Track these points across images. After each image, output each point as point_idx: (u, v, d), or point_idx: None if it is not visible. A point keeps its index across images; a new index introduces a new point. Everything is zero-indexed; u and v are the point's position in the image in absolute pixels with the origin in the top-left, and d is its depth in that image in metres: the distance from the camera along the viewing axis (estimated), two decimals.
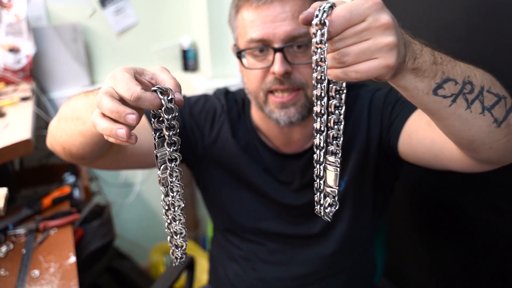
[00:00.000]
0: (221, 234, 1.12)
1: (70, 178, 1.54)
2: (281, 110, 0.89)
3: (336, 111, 0.56)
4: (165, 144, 0.59)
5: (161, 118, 0.58)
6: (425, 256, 1.24)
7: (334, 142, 0.57)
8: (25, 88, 1.49)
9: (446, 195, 1.10)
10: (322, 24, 0.48)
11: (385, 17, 0.48)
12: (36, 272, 1.00)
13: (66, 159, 0.87)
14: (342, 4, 0.48)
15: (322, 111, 0.54)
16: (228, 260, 1.10)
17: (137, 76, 0.57)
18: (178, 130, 0.58)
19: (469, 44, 0.94)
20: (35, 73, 1.66)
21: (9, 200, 1.29)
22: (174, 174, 0.62)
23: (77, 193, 1.49)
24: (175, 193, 0.64)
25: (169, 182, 0.63)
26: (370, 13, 0.47)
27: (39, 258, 1.05)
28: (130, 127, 0.54)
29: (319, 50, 0.49)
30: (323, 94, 0.52)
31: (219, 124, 1.02)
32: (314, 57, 0.50)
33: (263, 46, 0.86)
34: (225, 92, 1.07)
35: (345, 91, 0.55)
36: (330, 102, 0.55)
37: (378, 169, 0.98)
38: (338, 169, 0.59)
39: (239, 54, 0.90)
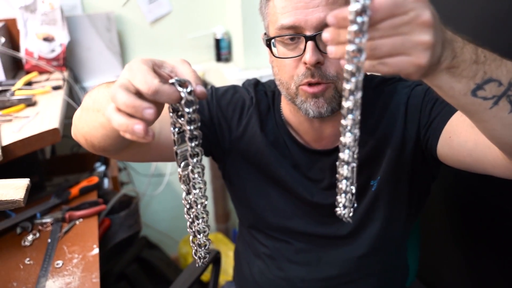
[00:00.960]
0: (247, 230, 1.08)
1: (100, 168, 1.55)
2: (311, 100, 0.84)
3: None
4: (186, 139, 0.56)
5: (180, 113, 0.56)
6: (460, 259, 1.17)
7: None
8: (58, 77, 1.50)
9: (484, 195, 1.04)
10: (362, 11, 0.44)
11: (428, 14, 0.45)
12: (59, 263, 1.00)
13: (90, 150, 0.86)
14: None
15: (354, 107, 0.49)
16: (253, 257, 1.07)
17: (156, 69, 0.54)
18: (199, 123, 0.55)
19: None
20: (68, 62, 1.67)
21: (38, 188, 1.31)
22: (196, 171, 0.59)
23: (106, 183, 1.49)
24: (197, 190, 0.61)
25: (191, 179, 0.60)
26: (414, 8, 0.45)
27: (63, 248, 1.05)
28: (148, 122, 0.51)
29: (356, 40, 0.45)
30: (357, 88, 0.48)
31: (247, 117, 0.98)
32: (349, 47, 0.45)
33: (294, 34, 0.81)
34: (254, 83, 1.03)
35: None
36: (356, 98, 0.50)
37: (414, 169, 0.92)
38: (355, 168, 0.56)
39: (269, 42, 0.85)
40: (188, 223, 0.65)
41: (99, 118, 0.72)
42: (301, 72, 0.82)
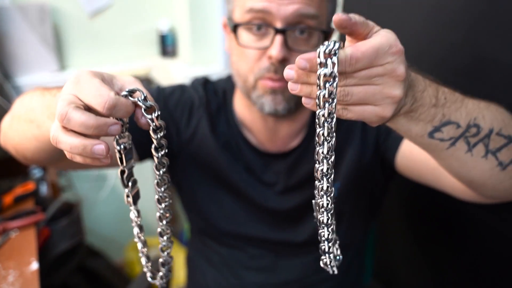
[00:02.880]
0: (198, 237, 1.02)
1: (37, 172, 1.42)
2: (269, 96, 0.79)
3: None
4: (154, 167, 0.52)
5: (123, 126, 0.50)
6: (415, 256, 1.18)
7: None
8: None
9: (439, 193, 1.05)
10: (334, 54, 0.42)
11: (402, 69, 0.45)
12: None
13: (21, 161, 0.77)
14: (365, 41, 0.44)
15: (328, 154, 0.47)
16: (206, 265, 1.01)
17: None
18: (165, 131, 0.50)
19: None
20: (0, 56, 1.52)
21: None
22: (162, 183, 0.54)
23: (44, 189, 1.37)
24: (163, 205, 0.55)
25: (157, 193, 0.54)
26: (391, 61, 0.44)
27: None
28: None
29: (327, 85, 0.42)
30: (330, 134, 0.45)
31: (197, 119, 0.92)
32: (320, 91, 0.43)
33: (263, 23, 0.75)
34: (203, 82, 0.96)
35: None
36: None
37: (373, 176, 0.91)
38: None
39: (235, 28, 0.78)
40: (140, 246, 0.59)
41: (32, 129, 0.64)
42: (264, 65, 0.77)
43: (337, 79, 0.42)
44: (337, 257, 0.56)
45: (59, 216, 1.28)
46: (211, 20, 1.66)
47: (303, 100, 0.46)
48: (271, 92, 0.79)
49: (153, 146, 0.50)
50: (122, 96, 0.46)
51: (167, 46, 1.83)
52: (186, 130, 0.91)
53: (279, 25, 0.73)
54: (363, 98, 0.45)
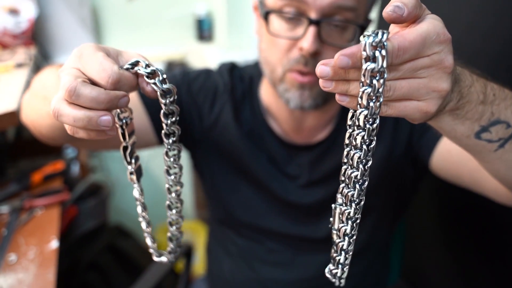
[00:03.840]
0: (218, 225, 1.01)
1: (70, 152, 1.45)
2: (296, 91, 0.75)
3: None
4: (163, 135, 0.49)
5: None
6: (447, 259, 1.11)
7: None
8: (23, 54, 1.39)
9: (477, 194, 0.98)
10: (381, 47, 0.37)
11: (450, 60, 0.40)
12: (13, 257, 0.91)
13: (39, 138, 0.77)
14: (412, 30, 0.39)
15: (364, 159, 0.43)
16: (224, 255, 0.99)
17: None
18: (176, 96, 0.47)
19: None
20: (37, 37, 1.55)
21: None
22: (171, 153, 0.51)
23: (76, 169, 1.40)
24: (172, 176, 0.53)
25: (166, 162, 0.52)
26: (439, 51, 0.40)
27: (20, 241, 0.96)
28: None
29: (374, 82, 0.38)
30: (370, 137, 0.41)
31: (220, 105, 0.89)
32: (365, 89, 0.38)
33: (297, 12, 0.71)
34: (230, 68, 0.93)
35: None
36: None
37: (402, 173, 0.86)
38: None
39: (267, 15, 0.74)
40: (144, 226, 0.57)
41: (46, 106, 0.63)
42: (294, 57, 0.72)
43: (385, 74, 0.38)
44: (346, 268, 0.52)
45: (87, 196, 1.30)
46: (248, 6, 1.63)
47: (337, 97, 0.41)
48: (298, 87, 0.75)
49: (161, 112, 0.47)
50: (125, 69, 0.45)
51: (203, 30, 1.81)
52: (208, 116, 0.89)
53: (313, 15, 0.69)
54: (407, 93, 0.40)
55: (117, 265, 1.67)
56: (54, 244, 0.95)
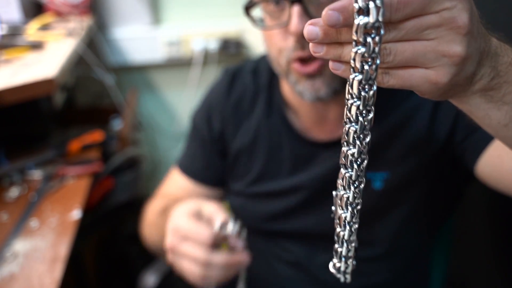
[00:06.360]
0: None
1: (116, 125, 1.46)
2: (305, 82, 0.68)
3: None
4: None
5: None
6: (498, 271, 0.98)
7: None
8: (76, 23, 1.40)
9: None
10: None
11: (465, 18, 0.33)
12: (35, 223, 0.92)
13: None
14: None
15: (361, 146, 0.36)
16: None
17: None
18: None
19: None
20: (95, 8, 1.56)
21: (39, 139, 1.24)
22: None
23: (115, 141, 1.40)
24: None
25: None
26: (450, 7, 0.32)
27: (46, 208, 0.97)
28: None
29: (369, 40, 0.31)
30: (364, 111, 0.35)
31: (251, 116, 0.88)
32: (358, 48, 0.32)
33: None
34: (253, 70, 0.90)
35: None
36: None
37: (436, 174, 0.76)
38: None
39: (248, 9, 0.69)
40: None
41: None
42: (290, 45, 0.66)
43: (382, 30, 0.31)
44: (353, 262, 0.46)
45: (125, 169, 1.30)
46: None
47: (331, 65, 0.35)
48: (306, 77, 0.68)
49: None
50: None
51: None
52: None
53: None
54: (411, 58, 0.34)
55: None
56: (76, 214, 0.95)
